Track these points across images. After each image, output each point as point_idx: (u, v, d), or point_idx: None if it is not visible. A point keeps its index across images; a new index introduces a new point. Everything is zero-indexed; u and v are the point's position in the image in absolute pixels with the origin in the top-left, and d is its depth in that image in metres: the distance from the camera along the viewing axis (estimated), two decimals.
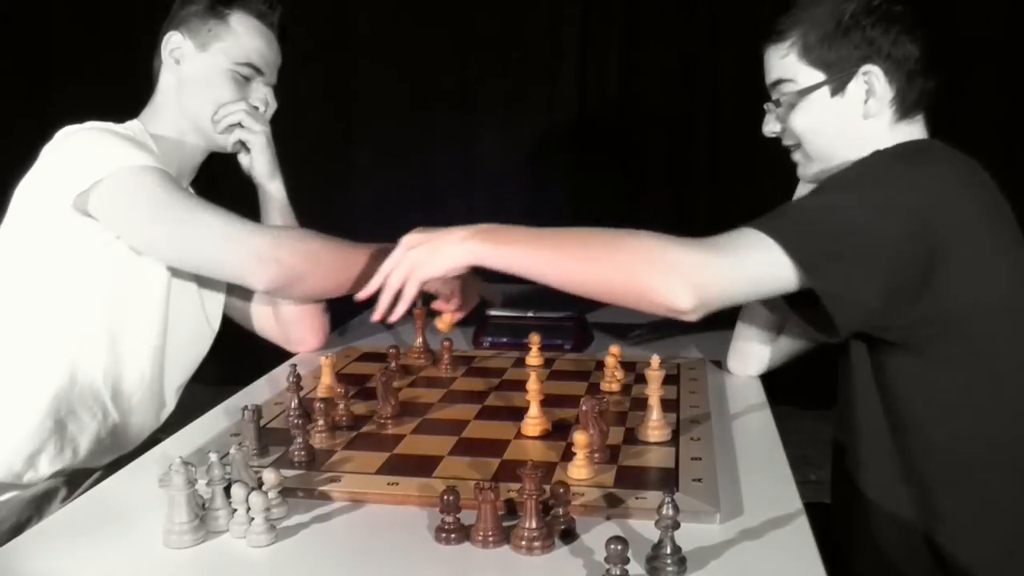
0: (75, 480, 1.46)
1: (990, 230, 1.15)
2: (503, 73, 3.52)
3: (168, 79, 1.55)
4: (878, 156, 1.19)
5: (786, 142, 1.34)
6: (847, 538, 1.27)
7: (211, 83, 1.52)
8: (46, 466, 1.40)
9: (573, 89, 3.48)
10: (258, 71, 1.55)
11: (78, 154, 1.40)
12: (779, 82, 1.29)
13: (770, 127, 1.34)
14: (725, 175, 3.42)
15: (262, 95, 1.57)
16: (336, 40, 3.57)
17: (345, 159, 3.66)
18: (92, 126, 1.45)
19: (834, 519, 1.32)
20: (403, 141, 3.62)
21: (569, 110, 3.50)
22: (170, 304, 1.50)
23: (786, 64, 1.27)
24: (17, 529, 1.35)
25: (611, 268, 1.10)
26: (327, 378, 1.39)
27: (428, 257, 1.15)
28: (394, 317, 1.20)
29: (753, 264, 1.07)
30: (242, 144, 1.57)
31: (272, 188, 1.61)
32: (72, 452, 1.43)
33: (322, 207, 3.63)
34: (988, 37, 3.15)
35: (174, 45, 1.53)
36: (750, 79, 3.57)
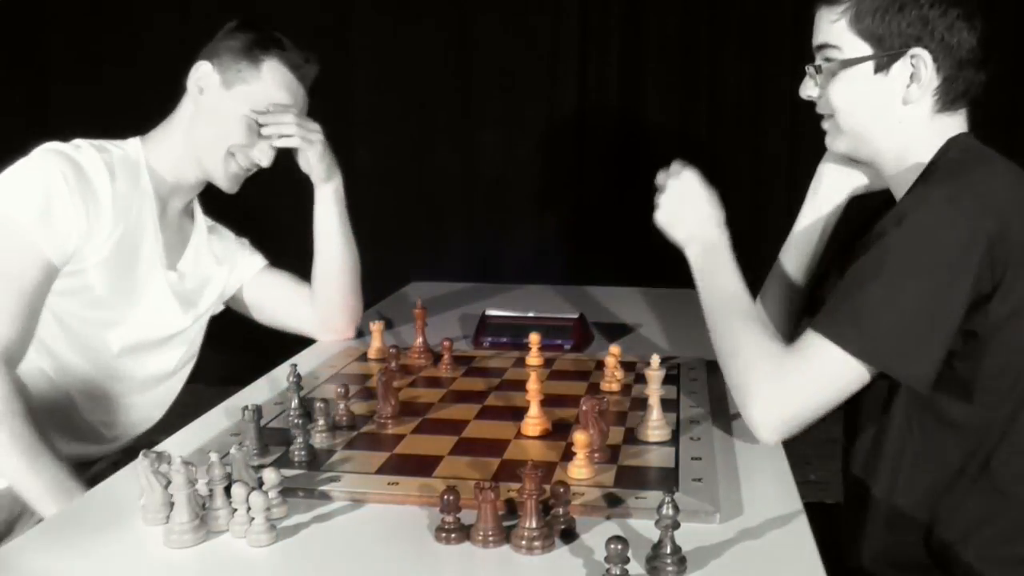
0: None
1: None
2: (503, 74, 3.52)
3: (187, 105, 1.54)
4: (926, 210, 1.09)
5: (820, 110, 1.28)
6: (853, 535, 1.25)
7: (225, 123, 1.51)
8: None
9: (573, 89, 3.48)
10: None
11: (5, 174, 1.39)
12: (824, 47, 1.23)
13: (807, 91, 1.28)
14: (725, 175, 3.42)
15: (269, 151, 1.55)
16: (335, 40, 3.57)
17: (345, 160, 3.64)
18: (53, 152, 1.40)
19: (842, 516, 1.30)
20: (403, 142, 3.62)
21: (569, 110, 3.49)
22: (149, 307, 1.52)
23: (834, 30, 1.21)
24: (9, 524, 1.36)
25: (728, 368, 1.21)
26: (377, 341, 1.61)
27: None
28: None
29: (830, 380, 1.12)
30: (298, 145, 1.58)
31: (327, 190, 1.66)
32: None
33: None
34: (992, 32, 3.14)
35: (201, 74, 1.52)
36: (750, 79, 3.58)
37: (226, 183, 1.56)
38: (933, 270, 1.07)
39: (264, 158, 1.55)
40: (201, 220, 1.68)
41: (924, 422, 1.17)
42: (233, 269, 1.70)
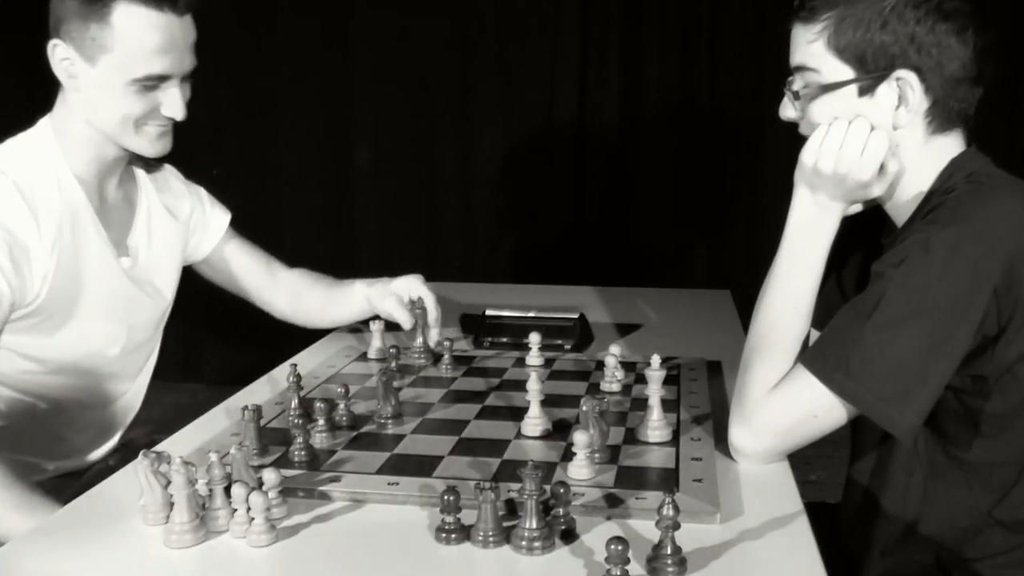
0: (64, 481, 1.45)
1: None
2: (503, 73, 3.52)
3: (69, 94, 1.35)
4: (928, 257, 1.03)
5: (803, 131, 1.18)
6: (861, 543, 1.23)
7: (113, 102, 1.31)
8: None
9: (573, 88, 3.47)
10: (164, 77, 1.32)
11: None
12: (802, 68, 1.13)
13: (786, 113, 1.18)
14: (725, 176, 3.42)
15: (175, 102, 1.34)
16: (335, 39, 3.57)
17: (345, 160, 3.65)
18: None
19: (849, 522, 1.28)
20: (403, 141, 3.62)
21: (569, 109, 3.49)
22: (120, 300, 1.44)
23: (812, 51, 1.11)
24: None
25: (740, 373, 1.17)
26: (377, 341, 1.61)
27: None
28: None
29: (814, 416, 1.08)
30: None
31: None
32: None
33: (322, 208, 3.67)
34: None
35: (61, 56, 1.31)
36: (750, 81, 3.57)
37: (151, 150, 1.38)
38: (930, 321, 1.02)
39: (177, 112, 1.35)
40: (143, 177, 1.52)
41: (933, 455, 1.15)
42: (193, 233, 1.60)
